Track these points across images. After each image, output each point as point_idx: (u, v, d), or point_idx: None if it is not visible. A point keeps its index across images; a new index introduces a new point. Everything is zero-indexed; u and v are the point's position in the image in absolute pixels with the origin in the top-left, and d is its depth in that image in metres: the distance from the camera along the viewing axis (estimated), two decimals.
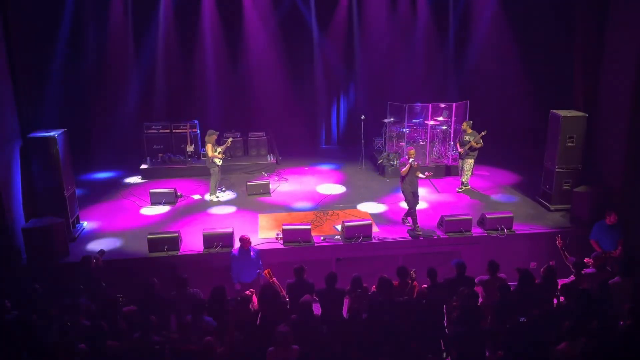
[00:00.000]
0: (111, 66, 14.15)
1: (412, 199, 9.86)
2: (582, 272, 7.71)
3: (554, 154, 10.71)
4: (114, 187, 12.74)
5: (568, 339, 5.95)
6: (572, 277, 7.73)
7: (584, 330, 5.99)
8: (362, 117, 13.52)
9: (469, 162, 11.84)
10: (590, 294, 6.90)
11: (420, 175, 9.97)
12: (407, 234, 9.94)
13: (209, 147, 11.39)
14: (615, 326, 6.27)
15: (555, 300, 7.48)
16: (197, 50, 14.52)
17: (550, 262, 7.98)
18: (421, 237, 9.78)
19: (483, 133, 11.50)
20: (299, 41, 14.93)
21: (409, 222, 10.18)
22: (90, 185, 12.79)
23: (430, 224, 10.31)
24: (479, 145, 11.58)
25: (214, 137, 11.50)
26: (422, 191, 11.63)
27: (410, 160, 9.66)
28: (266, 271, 8.09)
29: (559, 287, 7.47)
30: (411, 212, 9.97)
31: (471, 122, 11.86)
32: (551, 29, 12.70)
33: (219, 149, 11.53)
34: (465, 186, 12.04)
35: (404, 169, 9.71)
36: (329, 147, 15.77)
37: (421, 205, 11.08)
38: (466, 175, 11.95)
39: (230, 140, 11.95)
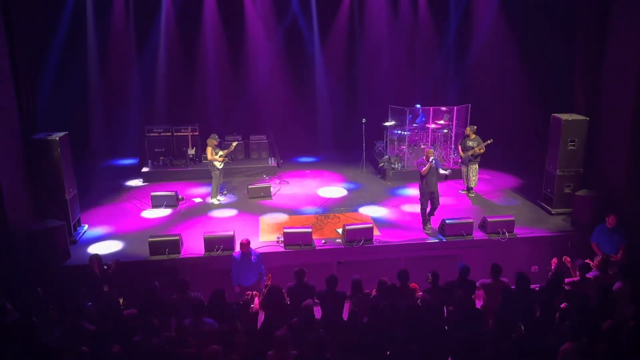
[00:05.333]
0: (113, 69, 14.20)
1: (426, 199, 10.01)
2: (587, 275, 7.70)
3: (556, 157, 10.70)
4: (115, 190, 12.75)
5: (570, 340, 5.94)
6: (576, 278, 7.73)
7: (586, 331, 5.98)
8: (363, 120, 13.53)
9: (474, 168, 11.81)
10: (590, 297, 6.90)
11: (442, 171, 10.12)
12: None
13: (209, 151, 11.42)
14: (617, 329, 6.26)
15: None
16: (199, 53, 14.55)
17: (532, 268, 7.96)
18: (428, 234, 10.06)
19: (489, 141, 11.47)
20: (301, 44, 14.95)
21: (430, 224, 10.28)
22: (91, 188, 12.79)
23: (432, 227, 10.30)
24: (481, 152, 11.58)
25: (214, 141, 11.53)
26: None
27: (431, 159, 9.72)
28: (268, 276, 8.10)
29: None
30: (422, 209, 10.17)
31: (475, 127, 11.85)
32: (552, 32, 12.70)
33: (220, 153, 11.55)
34: (471, 193, 12.02)
35: (424, 169, 9.78)
36: (330, 150, 15.76)
37: None
38: (473, 180, 11.93)
39: (234, 144, 11.99)
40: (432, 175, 9.86)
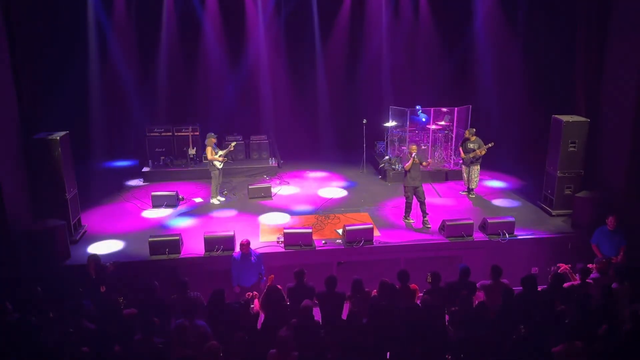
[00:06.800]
0: (113, 69, 14.19)
1: (411, 194, 10.36)
2: (587, 279, 7.68)
3: (556, 159, 10.70)
4: (115, 190, 12.75)
5: (565, 341, 5.93)
6: (576, 281, 7.71)
7: (583, 334, 5.98)
8: (364, 121, 13.53)
9: (476, 169, 11.81)
10: (590, 298, 6.89)
11: (425, 163, 10.44)
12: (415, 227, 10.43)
13: (208, 150, 11.42)
14: (617, 331, 6.26)
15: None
16: (200, 53, 14.56)
17: (532, 270, 7.93)
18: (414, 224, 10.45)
19: (490, 145, 11.47)
20: (301, 45, 14.96)
21: (428, 222, 10.43)
22: (91, 188, 12.79)
23: (432, 228, 10.31)
24: (482, 154, 11.58)
25: (213, 139, 11.52)
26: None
27: (413, 154, 10.08)
28: (270, 277, 8.09)
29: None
30: (407, 203, 10.53)
31: (473, 129, 11.85)
32: (553, 33, 12.72)
33: (220, 152, 11.54)
34: (471, 194, 12.02)
35: (407, 164, 10.14)
36: (330, 151, 15.76)
37: None
38: (475, 181, 11.92)
39: (233, 144, 11.99)
40: (415, 170, 10.18)
